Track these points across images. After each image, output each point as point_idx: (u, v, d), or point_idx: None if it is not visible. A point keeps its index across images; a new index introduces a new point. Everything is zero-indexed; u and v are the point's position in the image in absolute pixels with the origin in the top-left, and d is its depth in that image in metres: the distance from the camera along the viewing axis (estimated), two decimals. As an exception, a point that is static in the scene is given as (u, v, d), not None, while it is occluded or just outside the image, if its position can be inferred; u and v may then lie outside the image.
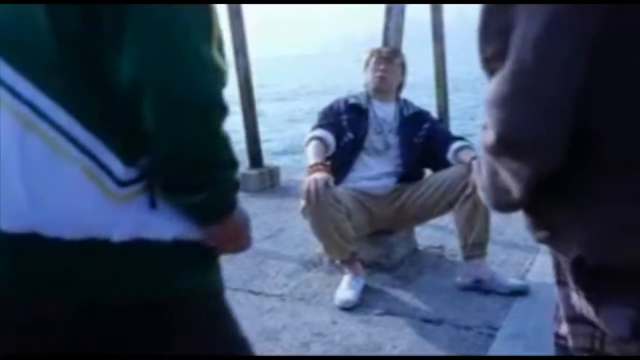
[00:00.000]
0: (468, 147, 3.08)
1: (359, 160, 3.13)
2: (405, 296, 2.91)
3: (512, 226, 3.65)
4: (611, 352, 1.18)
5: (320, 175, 2.76)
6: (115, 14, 0.91)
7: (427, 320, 2.65)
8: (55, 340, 1.00)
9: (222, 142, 1.02)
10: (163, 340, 1.05)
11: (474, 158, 2.93)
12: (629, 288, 1.11)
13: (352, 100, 3.23)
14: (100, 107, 0.96)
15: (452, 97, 4.90)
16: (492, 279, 2.88)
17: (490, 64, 1.11)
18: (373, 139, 3.15)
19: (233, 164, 1.05)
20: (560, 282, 1.26)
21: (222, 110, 0.98)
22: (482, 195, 1.23)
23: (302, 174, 2.93)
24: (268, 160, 5.66)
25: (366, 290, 2.93)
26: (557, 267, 1.25)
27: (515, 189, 1.14)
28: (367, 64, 3.27)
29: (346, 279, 2.94)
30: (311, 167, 2.84)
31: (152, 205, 1.00)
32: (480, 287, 2.87)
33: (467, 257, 2.93)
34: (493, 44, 1.10)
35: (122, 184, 0.96)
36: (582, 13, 1.03)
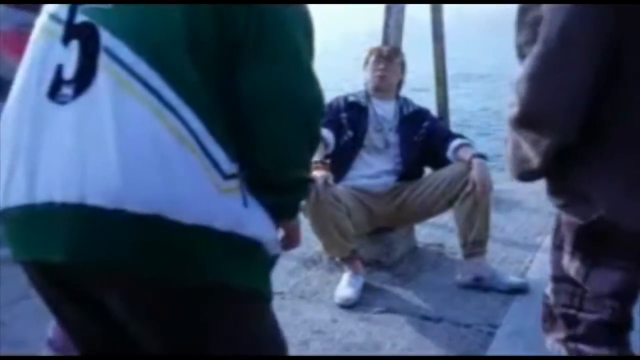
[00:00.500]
0: (467, 144, 3.08)
1: (358, 158, 3.13)
2: (405, 294, 2.91)
3: (512, 224, 3.65)
4: (588, 308, 1.35)
5: (319, 174, 2.76)
6: (249, 25, 1.08)
7: (427, 318, 2.65)
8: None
9: (317, 148, 1.24)
10: (207, 327, 1.14)
11: (474, 156, 2.93)
12: (624, 252, 1.27)
13: (351, 99, 3.22)
14: (220, 107, 1.08)
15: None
16: (492, 277, 2.88)
17: (522, 49, 1.25)
18: (373, 137, 3.15)
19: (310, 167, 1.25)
20: (556, 246, 1.40)
21: (322, 118, 1.21)
22: (507, 166, 1.37)
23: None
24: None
25: (366, 288, 2.93)
26: (557, 231, 1.39)
27: (534, 158, 1.28)
28: (366, 62, 3.27)
29: (346, 277, 2.94)
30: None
31: (245, 204, 1.11)
32: (480, 285, 2.87)
33: (467, 255, 2.93)
34: (524, 34, 1.25)
35: (226, 177, 1.07)
36: (601, 9, 1.15)
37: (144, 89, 1.04)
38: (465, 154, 2.99)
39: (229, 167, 1.08)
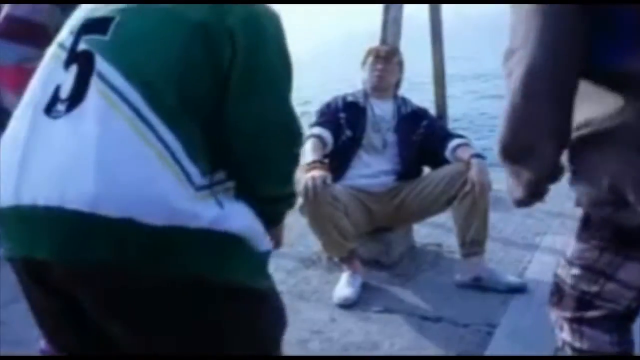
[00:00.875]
0: (466, 144, 3.08)
1: (357, 158, 3.13)
2: (403, 294, 2.91)
3: (510, 224, 3.66)
4: (605, 297, 1.40)
5: (318, 173, 2.76)
6: (235, 62, 1.21)
7: (425, 318, 2.66)
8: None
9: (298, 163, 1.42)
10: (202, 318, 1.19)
11: (473, 155, 2.94)
12: None
13: (350, 98, 3.22)
14: (198, 130, 1.20)
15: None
16: (490, 277, 2.88)
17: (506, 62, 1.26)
18: (371, 136, 3.15)
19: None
20: (582, 239, 1.42)
21: (302, 142, 1.40)
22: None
23: (300, 171, 2.92)
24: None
25: (364, 288, 2.93)
26: (586, 225, 1.41)
27: (518, 188, 1.33)
28: (364, 62, 3.27)
29: (345, 276, 2.94)
30: (309, 165, 2.84)
31: (220, 205, 1.20)
32: (478, 285, 2.88)
33: (466, 255, 2.93)
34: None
35: (197, 188, 1.17)
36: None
37: (127, 109, 1.14)
38: (464, 153, 2.99)
39: (200, 180, 1.17)
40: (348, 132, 3.12)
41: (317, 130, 3.06)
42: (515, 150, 1.28)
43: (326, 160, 2.94)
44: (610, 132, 1.22)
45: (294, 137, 1.35)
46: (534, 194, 1.33)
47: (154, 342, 1.20)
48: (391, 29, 4.09)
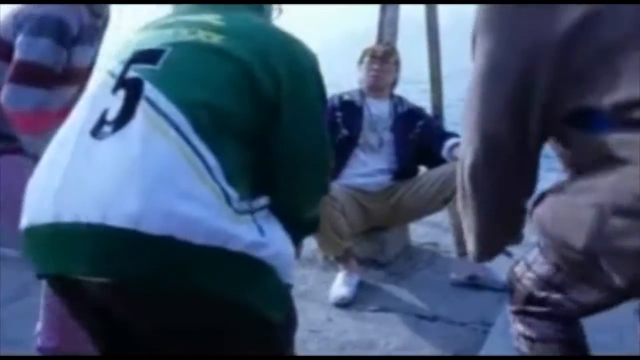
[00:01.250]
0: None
1: (353, 157, 3.14)
2: (399, 292, 2.92)
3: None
4: (555, 298, 1.46)
5: (315, 172, 2.77)
6: (280, 93, 1.30)
7: (422, 317, 2.67)
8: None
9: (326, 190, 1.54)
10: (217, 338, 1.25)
11: None
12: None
13: (346, 97, 3.23)
14: (240, 156, 1.26)
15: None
16: (486, 275, 2.89)
17: None
18: (368, 136, 3.15)
19: None
20: (545, 261, 1.49)
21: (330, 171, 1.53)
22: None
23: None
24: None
25: (361, 287, 2.94)
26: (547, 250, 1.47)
27: (470, 242, 1.46)
28: (361, 61, 3.27)
29: (341, 275, 2.94)
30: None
31: (261, 232, 1.24)
32: (474, 284, 2.88)
33: (462, 254, 2.94)
34: None
35: (237, 212, 1.21)
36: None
37: (172, 131, 1.19)
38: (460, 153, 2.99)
39: (239, 203, 1.22)
40: (344, 131, 3.13)
41: None
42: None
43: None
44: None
45: (327, 167, 1.48)
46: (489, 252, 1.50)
47: (171, 345, 1.27)
48: (387, 29, 4.09)
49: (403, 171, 3.16)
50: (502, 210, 1.41)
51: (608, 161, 1.19)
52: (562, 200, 1.31)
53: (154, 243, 1.13)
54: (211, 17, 1.37)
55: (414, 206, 3.09)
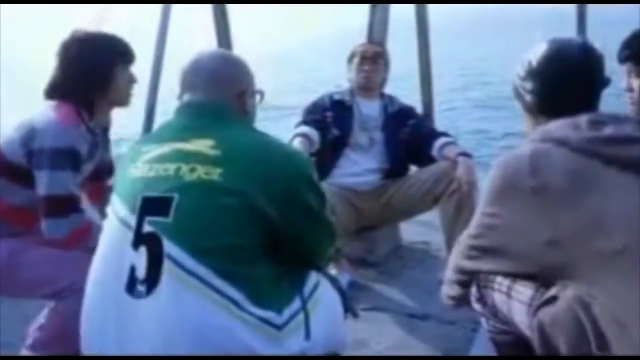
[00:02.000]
0: (452, 143, 3.09)
1: (344, 157, 3.14)
2: (390, 292, 2.92)
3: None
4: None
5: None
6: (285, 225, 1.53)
7: (412, 316, 2.67)
8: None
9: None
10: None
11: (459, 154, 2.95)
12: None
13: (336, 97, 3.23)
14: (263, 277, 1.48)
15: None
16: (476, 274, 2.89)
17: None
18: (358, 135, 3.15)
19: None
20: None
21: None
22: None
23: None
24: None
25: (351, 286, 2.93)
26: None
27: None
28: (350, 61, 3.27)
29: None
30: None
31: (307, 337, 1.51)
32: (464, 282, 2.88)
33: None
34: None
35: (280, 327, 1.45)
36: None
37: (197, 282, 1.39)
38: (450, 152, 3.00)
39: (278, 319, 1.45)
40: (335, 131, 3.13)
41: (304, 129, 3.06)
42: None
43: (313, 159, 2.94)
44: None
45: (334, 241, 1.79)
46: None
47: None
48: (378, 28, 4.10)
49: (394, 170, 3.16)
50: None
51: None
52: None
53: None
54: (205, 144, 1.51)
55: (404, 205, 3.09)
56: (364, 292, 2.93)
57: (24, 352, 2.03)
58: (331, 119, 3.14)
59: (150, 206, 1.47)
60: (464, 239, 1.72)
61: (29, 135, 1.96)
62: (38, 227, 1.97)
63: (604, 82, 1.63)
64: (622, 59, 2.14)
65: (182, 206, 1.44)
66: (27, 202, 2.00)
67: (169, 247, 1.41)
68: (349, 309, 1.83)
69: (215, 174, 1.46)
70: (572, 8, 4.69)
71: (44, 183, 1.94)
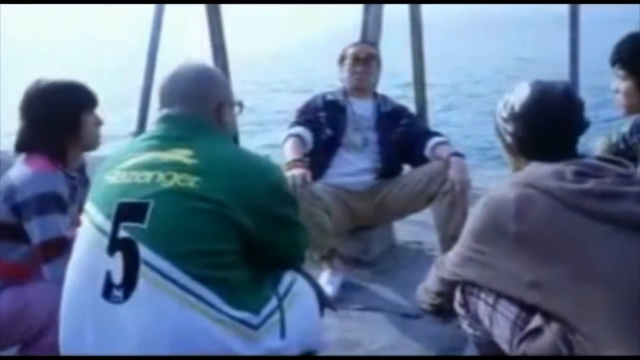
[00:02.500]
0: (445, 142, 3.09)
1: (338, 156, 3.14)
2: (383, 291, 2.93)
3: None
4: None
5: (297, 172, 2.76)
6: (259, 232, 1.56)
7: (406, 315, 2.67)
8: None
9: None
10: None
11: (452, 154, 2.95)
12: None
13: (329, 97, 3.23)
14: (239, 280, 1.51)
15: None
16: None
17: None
18: (351, 135, 3.15)
19: None
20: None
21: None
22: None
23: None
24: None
25: (345, 286, 2.94)
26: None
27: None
28: (342, 62, 3.27)
29: (325, 274, 2.94)
30: (289, 163, 2.84)
31: (282, 335, 1.55)
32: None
33: (446, 251, 2.94)
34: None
35: (256, 327, 1.49)
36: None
37: (174, 286, 1.41)
38: (443, 152, 3.00)
39: (255, 319, 1.49)
40: (328, 131, 3.12)
41: (297, 129, 3.07)
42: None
43: (306, 159, 2.94)
44: None
45: (309, 243, 1.90)
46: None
47: None
48: (371, 27, 4.10)
49: (387, 170, 3.16)
50: None
51: None
52: None
53: None
54: (183, 153, 1.54)
55: (398, 205, 3.09)
56: (358, 292, 2.93)
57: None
58: (324, 119, 3.14)
59: (126, 212, 1.49)
60: (446, 263, 1.81)
61: (10, 191, 1.98)
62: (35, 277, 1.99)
63: (584, 127, 1.68)
64: (612, 62, 2.19)
65: (157, 212, 1.46)
66: (23, 258, 2.01)
67: (145, 252, 1.43)
68: (326, 304, 1.85)
69: (192, 181, 1.49)
70: (564, 8, 4.71)
71: (36, 231, 1.95)
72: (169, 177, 1.50)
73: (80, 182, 2.19)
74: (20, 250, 2.01)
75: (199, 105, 1.68)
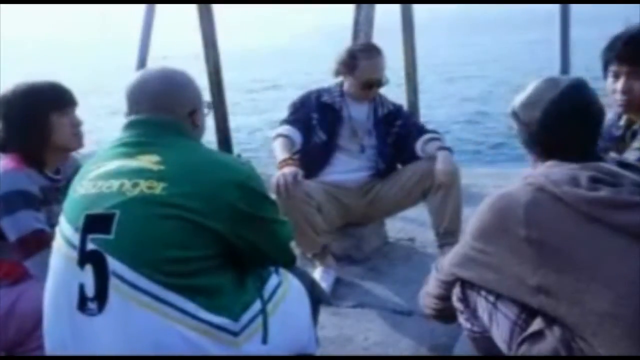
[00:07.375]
0: (435, 138, 3.08)
1: (333, 159, 3.14)
2: (376, 288, 2.94)
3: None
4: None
5: (288, 170, 2.76)
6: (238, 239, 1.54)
7: (398, 312, 2.68)
8: None
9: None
10: None
11: (439, 148, 2.96)
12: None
13: (325, 98, 3.15)
14: (220, 283, 1.49)
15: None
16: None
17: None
18: (348, 141, 3.15)
19: None
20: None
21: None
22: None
23: (273, 167, 2.93)
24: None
25: (337, 283, 2.95)
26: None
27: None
28: (352, 71, 3.10)
29: (318, 272, 2.95)
30: (280, 162, 2.84)
31: (264, 340, 1.53)
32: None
33: (440, 245, 2.97)
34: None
35: (236, 333, 1.47)
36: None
37: (145, 297, 1.40)
38: (432, 147, 3.01)
39: (235, 326, 1.47)
40: (322, 135, 3.10)
41: (286, 130, 3.04)
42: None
43: (296, 156, 2.92)
44: None
45: (290, 239, 1.86)
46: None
47: None
48: (363, 27, 4.11)
49: (383, 171, 3.18)
50: None
51: None
52: None
53: None
54: (150, 159, 1.52)
55: (390, 201, 3.11)
56: (350, 288, 2.94)
57: None
58: (317, 122, 3.10)
59: (93, 224, 1.47)
60: (445, 265, 1.78)
61: None
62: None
63: (602, 127, 1.64)
64: (606, 62, 2.10)
65: (123, 222, 1.44)
66: (11, 257, 2.02)
67: (113, 264, 1.42)
68: (322, 300, 1.84)
69: (158, 188, 1.46)
70: (555, 7, 4.71)
71: (9, 229, 1.97)
72: (135, 185, 1.47)
73: (65, 181, 2.17)
74: (6, 249, 2.01)
75: (172, 110, 1.65)
